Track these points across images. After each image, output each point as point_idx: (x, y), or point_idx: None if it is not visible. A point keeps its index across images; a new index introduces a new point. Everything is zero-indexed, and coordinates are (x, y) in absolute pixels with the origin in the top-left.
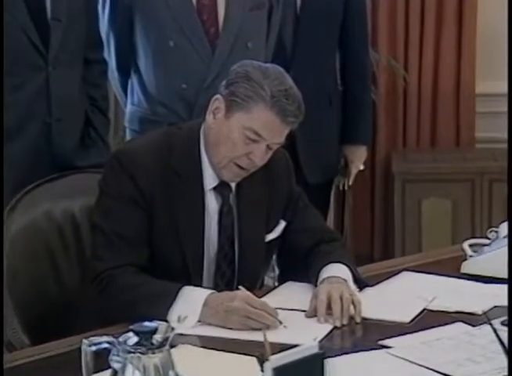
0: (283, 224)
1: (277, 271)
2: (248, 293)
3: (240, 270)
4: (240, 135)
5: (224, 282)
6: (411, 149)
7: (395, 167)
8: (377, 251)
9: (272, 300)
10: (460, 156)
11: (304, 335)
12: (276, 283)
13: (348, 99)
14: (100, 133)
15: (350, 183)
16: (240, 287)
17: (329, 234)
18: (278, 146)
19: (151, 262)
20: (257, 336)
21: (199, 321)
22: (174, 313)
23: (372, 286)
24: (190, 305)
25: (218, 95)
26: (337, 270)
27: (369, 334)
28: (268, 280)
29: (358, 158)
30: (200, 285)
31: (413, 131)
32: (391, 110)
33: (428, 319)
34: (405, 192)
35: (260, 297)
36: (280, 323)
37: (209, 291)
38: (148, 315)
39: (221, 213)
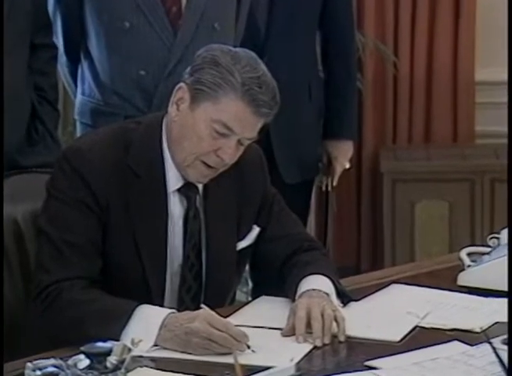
0: (256, 230)
1: (250, 284)
2: (211, 312)
3: (208, 284)
4: (207, 129)
5: (189, 297)
6: (402, 145)
7: (384, 165)
8: (364, 260)
9: (244, 317)
10: (458, 153)
11: (280, 356)
12: (249, 298)
13: (330, 87)
14: (48, 127)
15: (334, 183)
16: (202, 305)
17: (308, 242)
18: (250, 142)
19: (106, 276)
20: (225, 357)
21: (155, 345)
22: (127, 335)
23: (357, 300)
24: (146, 326)
25: (181, 84)
26: (318, 283)
27: (355, 354)
28: (240, 295)
29: (342, 155)
30: (162, 301)
31: (405, 124)
32: (379, 100)
33: (421, 338)
34: (395, 193)
35: (231, 313)
36: (248, 347)
37: (168, 311)
38: (98, 336)
39: (186, 218)
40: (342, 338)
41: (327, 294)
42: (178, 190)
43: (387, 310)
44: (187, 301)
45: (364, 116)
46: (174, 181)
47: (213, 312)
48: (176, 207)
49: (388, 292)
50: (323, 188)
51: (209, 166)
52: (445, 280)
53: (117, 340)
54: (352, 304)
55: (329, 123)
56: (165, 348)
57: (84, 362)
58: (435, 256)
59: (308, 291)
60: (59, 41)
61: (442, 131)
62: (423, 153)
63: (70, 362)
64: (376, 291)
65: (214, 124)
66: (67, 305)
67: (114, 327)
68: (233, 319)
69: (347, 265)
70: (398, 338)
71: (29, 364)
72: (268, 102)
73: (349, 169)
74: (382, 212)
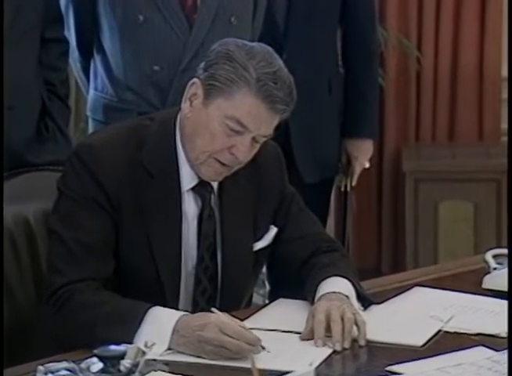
0: (274, 230)
1: (267, 287)
2: (223, 318)
3: (224, 286)
4: (221, 126)
5: (204, 299)
6: (425, 143)
7: (407, 164)
8: (385, 263)
9: (261, 320)
10: (483, 151)
11: (298, 360)
12: (267, 301)
13: (351, 84)
14: (59, 124)
15: (353, 183)
16: (213, 309)
17: (328, 243)
18: (266, 139)
19: (120, 277)
20: (242, 362)
21: (169, 349)
22: (140, 339)
23: (379, 304)
24: (159, 330)
25: (195, 79)
26: (338, 285)
27: (376, 359)
28: (257, 298)
29: (362, 154)
30: (176, 303)
31: (428, 122)
32: (401, 97)
33: (444, 343)
34: (418, 193)
35: (248, 316)
36: (263, 348)
37: (180, 314)
38: (110, 339)
39: (200, 218)
40: (362, 343)
41: (347, 296)
42: (193, 189)
43: (409, 314)
44: (202, 303)
45: (386, 113)
46: (188, 179)
47: (225, 317)
48: (191, 207)
49: (411, 295)
50: (342, 188)
51: (223, 164)
52: (470, 283)
53: (130, 343)
54: (374, 307)
55: (348, 121)
56: (179, 352)
57: (97, 365)
58: (459, 258)
59: (327, 293)
60: (72, 35)
61: (467, 128)
62: (447, 151)
63: (82, 365)
64: (399, 294)
65: (228, 121)
66: (80, 308)
67: (127, 330)
68: (250, 323)
69: (367, 267)
70: (421, 343)
71: (41, 367)
72: (283, 98)
73: (370, 168)
74: (404, 213)
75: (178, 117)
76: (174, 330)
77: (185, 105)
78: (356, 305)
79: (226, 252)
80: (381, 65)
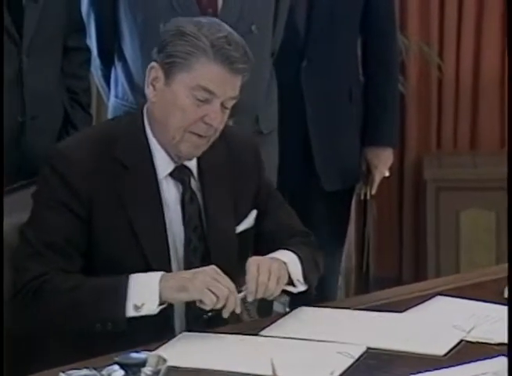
0: (254, 213)
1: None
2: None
3: (215, 264)
4: (189, 99)
5: None
6: (447, 151)
7: (428, 172)
8: (407, 271)
9: (282, 328)
10: (506, 159)
11: (320, 369)
12: (287, 309)
13: (371, 92)
14: None
15: (373, 192)
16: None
17: (304, 233)
18: (233, 102)
19: (108, 272)
20: (263, 369)
21: (161, 304)
22: (130, 304)
23: (401, 312)
24: (146, 287)
25: (152, 63)
26: (281, 254)
27: (398, 368)
28: (277, 306)
29: (382, 163)
30: None
31: (450, 130)
32: (423, 104)
33: (466, 352)
34: (439, 202)
35: (268, 325)
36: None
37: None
38: (98, 315)
39: (183, 202)
40: (271, 297)
41: (285, 263)
42: (171, 175)
43: (431, 323)
44: None
45: (407, 121)
46: (164, 166)
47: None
48: (171, 193)
49: (433, 304)
50: (362, 196)
51: (199, 135)
52: (492, 292)
53: (119, 317)
54: (395, 316)
55: (368, 129)
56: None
57: (118, 373)
58: (481, 267)
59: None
60: (93, 43)
61: (489, 136)
62: (469, 159)
63: (104, 372)
64: (420, 303)
65: (195, 92)
66: (53, 295)
67: (114, 303)
68: (271, 331)
69: (388, 276)
70: (443, 352)
71: (62, 374)
72: (240, 57)
73: (390, 176)
74: (425, 222)
75: (145, 107)
76: (162, 279)
77: (148, 91)
78: (293, 272)
79: (211, 233)
80: (402, 72)
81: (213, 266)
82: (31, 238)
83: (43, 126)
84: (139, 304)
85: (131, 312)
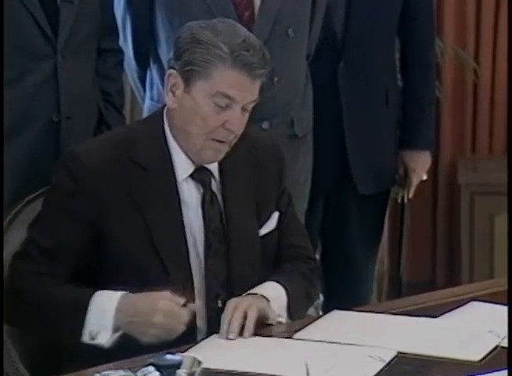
0: (276, 214)
1: (321, 298)
2: (169, 304)
3: (235, 268)
4: (209, 106)
5: (219, 284)
6: (482, 155)
7: (462, 177)
8: (440, 276)
9: (314, 332)
10: None
11: (351, 372)
12: (320, 312)
13: (408, 96)
14: None
15: (410, 195)
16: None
17: (306, 256)
18: (253, 105)
19: (125, 276)
20: (296, 372)
21: (116, 331)
22: (87, 330)
23: (435, 317)
24: (102, 317)
25: (170, 70)
26: (266, 289)
27: (432, 374)
28: (310, 309)
29: (420, 166)
30: (192, 291)
31: (485, 134)
32: (458, 108)
33: (501, 358)
34: (473, 206)
35: (301, 328)
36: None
37: (119, 294)
38: (63, 329)
39: (203, 203)
40: (246, 335)
41: (267, 299)
42: (192, 177)
43: (466, 328)
44: (217, 288)
45: (442, 125)
46: (184, 168)
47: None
48: (192, 195)
49: (467, 310)
50: (399, 200)
51: (221, 141)
52: None
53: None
54: (429, 321)
55: (405, 132)
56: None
57: (153, 374)
58: None
59: (250, 293)
60: (129, 45)
61: None
62: (503, 164)
63: (139, 373)
64: (454, 308)
65: (215, 98)
66: (32, 298)
67: (75, 322)
68: (303, 334)
69: (422, 280)
70: (478, 358)
71: (97, 375)
72: (259, 63)
73: (425, 180)
74: (459, 226)
75: (164, 111)
76: (118, 311)
77: (168, 97)
78: (277, 310)
79: (233, 236)
80: (438, 76)
81: (165, 310)
82: (29, 236)
83: (78, 126)
84: (94, 334)
85: (86, 340)
